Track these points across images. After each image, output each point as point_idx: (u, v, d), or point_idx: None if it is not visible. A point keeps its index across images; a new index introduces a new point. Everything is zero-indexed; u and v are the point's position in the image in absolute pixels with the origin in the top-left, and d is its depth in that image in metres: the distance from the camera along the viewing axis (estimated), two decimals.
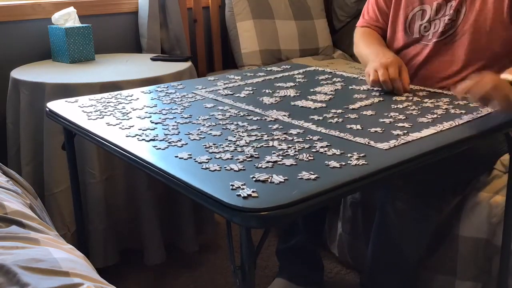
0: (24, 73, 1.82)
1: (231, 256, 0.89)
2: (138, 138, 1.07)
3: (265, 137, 1.05)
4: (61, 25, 2.00)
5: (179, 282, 1.80)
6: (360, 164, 0.91)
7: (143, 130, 1.12)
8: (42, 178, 1.72)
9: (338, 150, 0.97)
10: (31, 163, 1.76)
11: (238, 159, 0.94)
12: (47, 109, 1.33)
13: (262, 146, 1.01)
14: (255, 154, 0.96)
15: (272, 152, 0.98)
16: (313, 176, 0.87)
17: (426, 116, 1.17)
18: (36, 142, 1.73)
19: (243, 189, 0.82)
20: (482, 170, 1.49)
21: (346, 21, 2.91)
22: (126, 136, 1.08)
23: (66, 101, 1.37)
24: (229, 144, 1.02)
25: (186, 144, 1.03)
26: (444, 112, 1.21)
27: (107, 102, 1.35)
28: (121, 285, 1.78)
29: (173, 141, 1.04)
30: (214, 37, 2.63)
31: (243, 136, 1.06)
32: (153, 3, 2.28)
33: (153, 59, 2.08)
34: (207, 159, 0.94)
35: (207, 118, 1.19)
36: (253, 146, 1.00)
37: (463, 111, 1.21)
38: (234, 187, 0.83)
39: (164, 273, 1.85)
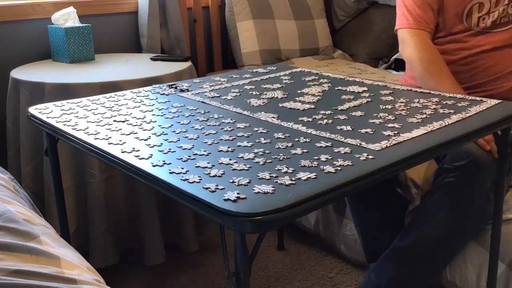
0: (24, 73, 1.82)
1: (225, 262, 0.88)
2: (122, 150, 1.02)
3: (256, 140, 1.04)
4: (61, 25, 2.00)
5: (179, 282, 1.80)
6: (353, 165, 0.91)
7: (125, 134, 1.10)
8: (42, 178, 1.72)
9: (330, 152, 0.97)
10: (31, 163, 1.76)
11: (232, 164, 0.93)
12: (28, 114, 1.30)
13: (254, 149, 1.00)
14: (249, 158, 0.95)
15: (263, 154, 0.97)
16: (306, 178, 0.86)
17: (416, 116, 1.17)
18: (36, 142, 1.73)
19: (238, 193, 0.81)
20: None
21: (346, 21, 2.91)
22: (108, 144, 1.05)
23: (46, 106, 1.35)
24: (223, 147, 1.01)
25: (174, 152, 1.00)
26: (433, 112, 1.21)
27: (88, 106, 1.33)
28: (121, 285, 1.78)
29: (158, 148, 1.02)
30: (214, 37, 2.63)
31: (235, 140, 1.05)
32: (153, 3, 2.28)
33: (153, 59, 2.08)
34: (207, 164, 0.93)
35: (203, 120, 1.18)
36: (246, 150, 0.99)
37: (451, 111, 1.21)
38: (228, 193, 0.81)
39: (164, 273, 1.85)
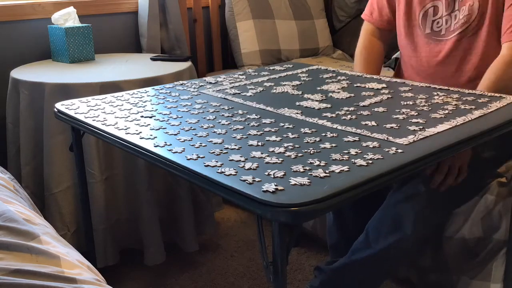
0: (24, 73, 1.82)
1: (263, 252, 0.89)
2: (154, 144, 1.04)
3: (283, 135, 1.06)
4: (61, 25, 2.00)
5: (179, 282, 1.80)
6: (383, 158, 0.93)
7: (155, 129, 1.13)
8: (42, 178, 1.72)
9: (359, 146, 0.99)
10: (31, 163, 1.76)
11: (264, 157, 0.95)
12: (55, 110, 1.33)
13: (283, 143, 1.02)
14: (280, 151, 0.97)
15: (293, 148, 0.99)
16: (339, 171, 0.88)
17: (438, 112, 1.19)
18: (36, 142, 1.73)
19: (276, 185, 0.83)
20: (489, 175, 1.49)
21: (346, 21, 2.91)
22: (140, 138, 1.08)
23: (72, 102, 1.38)
24: (252, 142, 1.03)
25: (205, 146, 1.02)
26: (454, 108, 1.23)
27: (113, 102, 1.36)
28: (121, 285, 1.78)
29: (189, 143, 1.04)
30: (214, 37, 2.63)
31: (263, 134, 1.07)
32: (153, 3, 2.28)
33: (153, 59, 2.08)
34: (240, 158, 0.95)
35: (229, 116, 1.21)
36: (276, 144, 1.01)
37: (473, 107, 1.23)
38: (265, 185, 0.83)
39: (164, 273, 1.85)
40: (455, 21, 1.51)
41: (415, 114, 1.19)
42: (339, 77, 1.58)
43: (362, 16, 1.76)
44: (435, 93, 1.36)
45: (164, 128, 1.13)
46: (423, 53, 1.59)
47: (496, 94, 1.34)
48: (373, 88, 1.43)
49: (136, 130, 1.12)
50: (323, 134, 1.06)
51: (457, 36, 1.51)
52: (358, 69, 1.69)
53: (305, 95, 1.37)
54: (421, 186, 1.38)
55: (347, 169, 0.89)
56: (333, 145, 1.00)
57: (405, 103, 1.28)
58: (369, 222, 1.46)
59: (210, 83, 1.55)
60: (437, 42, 1.55)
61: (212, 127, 1.13)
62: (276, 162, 0.92)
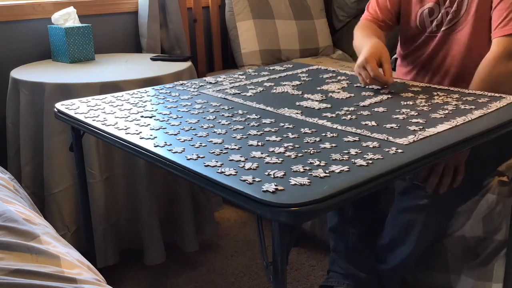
0: (24, 73, 1.82)
1: (263, 253, 0.90)
2: (154, 144, 1.04)
3: (283, 135, 1.06)
4: (61, 25, 2.00)
5: (179, 282, 1.80)
6: (383, 158, 0.93)
7: (155, 129, 1.13)
8: (42, 178, 1.72)
9: (359, 146, 0.99)
10: (31, 163, 1.76)
11: (264, 157, 0.95)
12: (55, 110, 1.33)
13: (283, 143, 1.02)
14: (280, 151, 0.97)
15: (293, 148, 0.99)
16: (339, 171, 0.88)
17: (438, 112, 1.20)
18: (36, 142, 1.73)
19: (276, 185, 0.83)
20: (488, 172, 1.49)
21: (346, 21, 2.91)
22: (140, 138, 1.08)
23: (72, 102, 1.38)
24: (252, 142, 1.03)
25: (205, 146, 1.02)
26: (454, 108, 1.23)
27: (113, 102, 1.36)
28: (121, 285, 1.78)
29: (189, 143, 1.04)
30: (214, 37, 2.63)
31: (263, 134, 1.07)
32: (153, 3, 2.28)
33: (153, 59, 2.08)
34: (240, 158, 0.95)
35: (229, 116, 1.20)
36: (276, 144, 1.01)
37: (473, 107, 1.23)
38: (265, 185, 0.83)
39: (164, 273, 1.85)
40: (440, 18, 1.55)
41: (415, 114, 1.19)
42: (339, 77, 1.58)
43: (363, 18, 1.75)
44: (435, 93, 1.36)
45: (164, 128, 1.13)
46: (420, 50, 1.63)
47: (496, 94, 1.34)
48: (373, 88, 1.44)
49: (136, 130, 1.12)
50: (323, 134, 1.06)
51: (443, 32, 1.55)
52: (359, 37, 1.63)
53: (305, 95, 1.37)
54: (425, 196, 1.39)
55: (347, 169, 0.89)
56: (333, 145, 1.00)
57: (405, 103, 1.29)
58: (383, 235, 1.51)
59: (210, 83, 1.56)
60: (431, 38, 1.59)
61: (212, 127, 1.13)
62: (276, 162, 0.93)
